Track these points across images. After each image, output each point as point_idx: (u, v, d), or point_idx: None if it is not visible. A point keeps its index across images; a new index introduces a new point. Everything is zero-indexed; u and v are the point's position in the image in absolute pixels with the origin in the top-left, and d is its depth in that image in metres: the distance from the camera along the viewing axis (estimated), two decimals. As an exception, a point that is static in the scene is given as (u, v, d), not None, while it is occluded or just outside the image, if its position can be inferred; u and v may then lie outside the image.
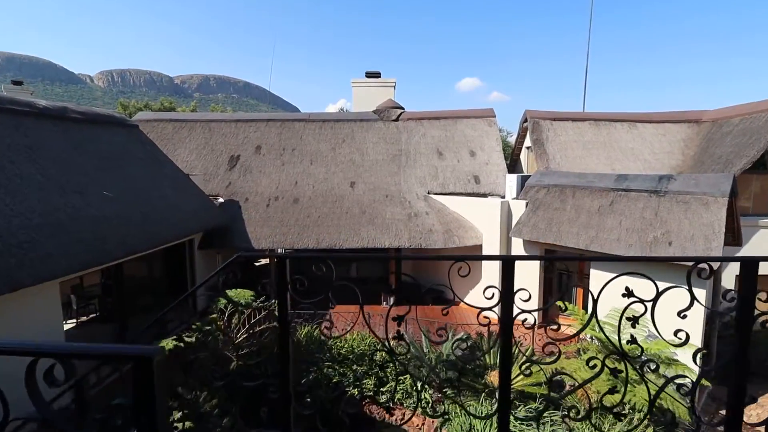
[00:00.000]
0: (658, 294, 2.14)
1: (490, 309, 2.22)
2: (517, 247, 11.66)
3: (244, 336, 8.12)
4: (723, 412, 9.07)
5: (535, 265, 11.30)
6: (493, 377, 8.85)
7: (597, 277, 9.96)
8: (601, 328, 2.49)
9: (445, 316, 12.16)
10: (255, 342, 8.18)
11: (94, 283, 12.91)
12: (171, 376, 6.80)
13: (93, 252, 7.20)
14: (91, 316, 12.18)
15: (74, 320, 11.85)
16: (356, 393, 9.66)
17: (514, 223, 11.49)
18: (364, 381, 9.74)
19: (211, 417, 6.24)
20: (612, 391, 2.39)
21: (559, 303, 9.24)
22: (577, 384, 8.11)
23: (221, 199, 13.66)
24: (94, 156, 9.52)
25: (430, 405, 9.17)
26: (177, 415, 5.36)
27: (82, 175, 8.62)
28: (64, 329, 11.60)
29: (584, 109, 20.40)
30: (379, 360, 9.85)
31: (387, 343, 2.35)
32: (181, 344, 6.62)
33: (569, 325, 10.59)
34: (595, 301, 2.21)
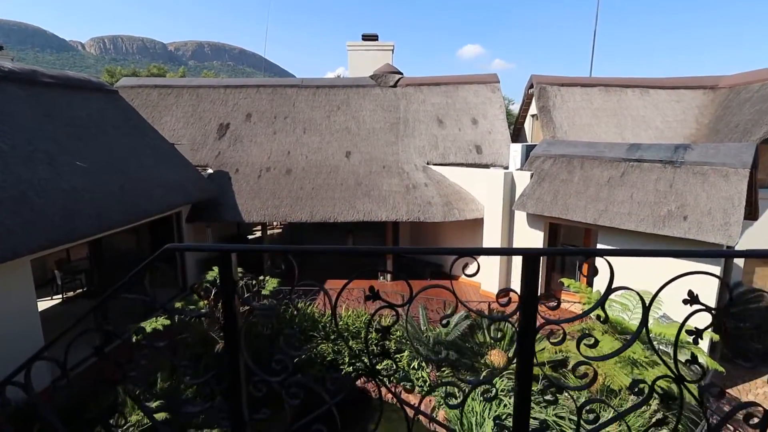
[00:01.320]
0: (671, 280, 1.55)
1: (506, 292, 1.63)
2: (520, 221, 11.11)
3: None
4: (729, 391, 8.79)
5: (539, 237, 10.79)
6: (493, 356, 8.50)
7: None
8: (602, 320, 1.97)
9: (445, 294, 11.76)
10: (243, 321, 7.76)
11: (82, 256, 12.43)
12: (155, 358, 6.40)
13: (63, 228, 6.64)
14: (78, 291, 11.78)
15: (60, 296, 11.45)
16: (351, 370, 9.35)
17: (517, 195, 10.89)
18: (362, 358, 9.42)
19: (194, 403, 5.86)
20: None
21: (563, 280, 8.77)
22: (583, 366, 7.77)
23: (210, 170, 13.00)
24: (66, 123, 8.82)
25: (427, 383, 8.87)
26: (155, 404, 4.95)
27: (52, 144, 7.96)
28: (50, 305, 11.24)
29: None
30: (376, 337, 9.48)
31: (369, 359, 1.81)
32: (161, 327, 6.17)
33: (577, 303, 10.20)
34: (609, 289, 1.65)
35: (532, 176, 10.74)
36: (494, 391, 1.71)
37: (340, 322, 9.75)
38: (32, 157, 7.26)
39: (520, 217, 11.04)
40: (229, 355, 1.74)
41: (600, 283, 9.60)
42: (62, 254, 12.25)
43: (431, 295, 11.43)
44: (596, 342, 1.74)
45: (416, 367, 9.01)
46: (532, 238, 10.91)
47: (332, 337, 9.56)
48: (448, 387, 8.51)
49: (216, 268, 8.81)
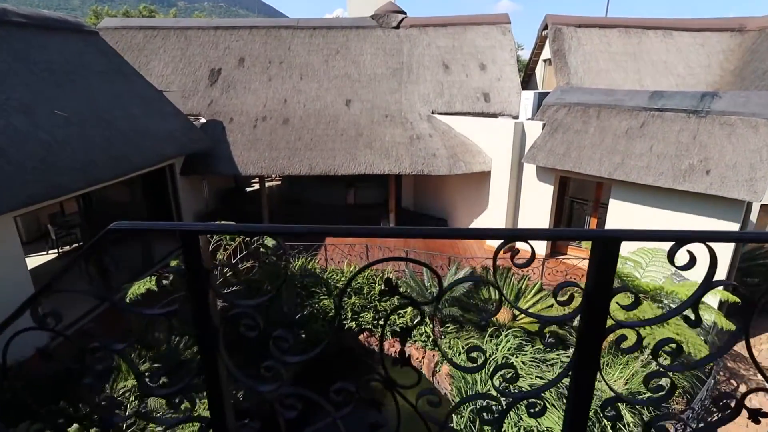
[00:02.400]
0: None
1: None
2: (529, 175, 10.62)
3: (229, 274, 7.43)
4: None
5: (548, 191, 10.35)
6: (499, 314, 8.36)
7: (618, 207, 9.07)
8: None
9: (449, 249, 11.51)
10: (241, 280, 7.53)
11: (76, 210, 12.08)
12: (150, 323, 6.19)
13: (43, 183, 6.20)
14: (75, 246, 11.52)
15: (55, 251, 11.21)
16: (354, 326, 9.30)
17: (527, 147, 10.32)
18: (363, 314, 9.33)
19: (192, 364, 5.72)
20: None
21: (574, 237, 8.45)
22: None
23: (203, 119, 12.32)
24: (42, 68, 8.11)
25: (431, 339, 8.82)
26: (145, 366, 4.76)
27: (26, 92, 7.33)
28: (46, 260, 11.03)
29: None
30: (378, 293, 9.33)
31: (383, 370, 1.45)
32: (155, 288, 5.90)
33: (583, 258, 9.95)
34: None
35: (543, 126, 10.11)
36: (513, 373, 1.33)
37: (342, 278, 9.56)
38: (5, 107, 6.68)
39: (529, 170, 10.54)
40: (206, 362, 1.37)
41: (610, 240, 9.28)
42: (55, 208, 11.90)
43: (436, 250, 11.18)
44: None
45: (419, 322, 8.91)
46: (541, 192, 10.47)
47: (335, 293, 9.40)
48: (451, 342, 8.48)
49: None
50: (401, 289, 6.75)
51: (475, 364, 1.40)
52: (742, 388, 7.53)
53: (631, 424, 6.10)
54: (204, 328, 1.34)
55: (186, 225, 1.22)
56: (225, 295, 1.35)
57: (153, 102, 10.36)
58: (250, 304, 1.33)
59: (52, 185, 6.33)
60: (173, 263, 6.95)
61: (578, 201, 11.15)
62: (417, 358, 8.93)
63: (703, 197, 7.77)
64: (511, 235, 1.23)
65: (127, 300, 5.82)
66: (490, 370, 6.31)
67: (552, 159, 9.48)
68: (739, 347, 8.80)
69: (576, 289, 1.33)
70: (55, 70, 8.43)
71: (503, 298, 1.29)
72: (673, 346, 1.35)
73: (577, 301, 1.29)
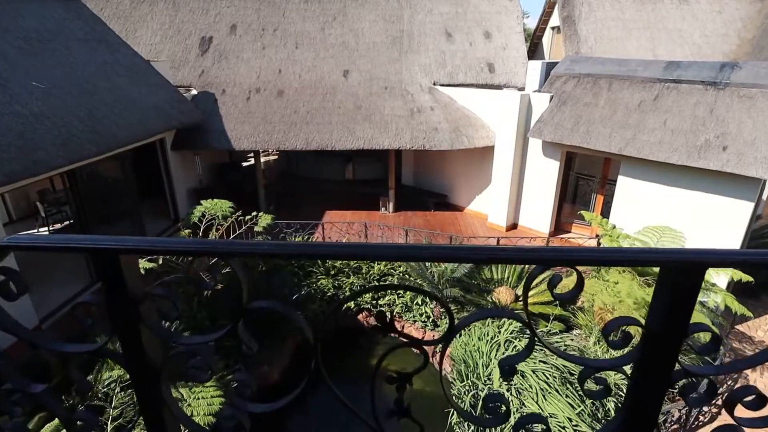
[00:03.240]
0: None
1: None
2: (534, 150, 10.20)
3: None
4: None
5: (554, 167, 9.97)
6: (500, 294, 8.14)
7: (627, 185, 8.71)
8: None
9: (450, 227, 11.21)
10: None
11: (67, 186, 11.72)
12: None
13: (21, 160, 5.82)
14: (66, 223, 11.22)
15: (46, 229, 10.92)
16: (353, 306, 9.10)
17: (533, 121, 9.86)
18: (361, 294, 9.12)
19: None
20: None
21: (583, 213, 8.14)
22: (597, 307, 7.38)
23: (194, 91, 11.78)
24: (17, 36, 7.58)
25: (431, 319, 8.65)
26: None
27: (1, 62, 6.84)
28: (37, 238, 10.75)
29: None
30: (377, 273, 9.10)
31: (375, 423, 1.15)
32: (143, 270, 5.62)
33: (590, 237, 9.67)
34: None
35: (551, 99, 9.62)
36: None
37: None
38: (-24, 77, 6.23)
39: (535, 145, 10.11)
40: (144, 414, 1.07)
41: (618, 217, 8.98)
42: (45, 184, 11.54)
43: (437, 228, 10.90)
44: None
45: (419, 302, 8.72)
46: (546, 168, 10.09)
47: (332, 272, 9.17)
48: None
49: (206, 202, 8.16)
50: (401, 269, 6.44)
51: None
52: (747, 370, 7.39)
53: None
54: (138, 370, 1.04)
55: (101, 241, 0.89)
56: (165, 331, 1.03)
57: (140, 72, 9.83)
58: (196, 342, 1.02)
59: (30, 162, 5.96)
60: (163, 244, 6.66)
61: (584, 177, 10.77)
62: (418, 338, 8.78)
63: (717, 175, 7.41)
64: (551, 258, 0.90)
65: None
66: (494, 352, 6.09)
67: (559, 133, 9.05)
68: (744, 327, 8.65)
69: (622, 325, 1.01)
70: (33, 38, 7.89)
71: (537, 339, 0.98)
72: (752, 397, 1.04)
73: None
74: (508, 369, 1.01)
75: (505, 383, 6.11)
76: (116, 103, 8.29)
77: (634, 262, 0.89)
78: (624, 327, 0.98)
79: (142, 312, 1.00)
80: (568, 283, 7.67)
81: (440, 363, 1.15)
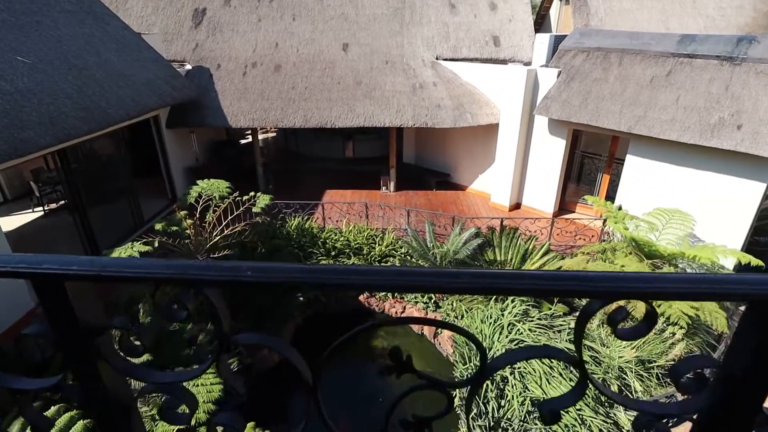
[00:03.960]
0: None
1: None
2: (540, 128, 9.90)
3: (220, 236, 6.98)
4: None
5: (560, 145, 9.70)
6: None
7: (635, 164, 8.47)
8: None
9: (452, 207, 11.02)
10: (233, 243, 7.08)
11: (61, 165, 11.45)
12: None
13: (7, 139, 5.57)
14: (61, 202, 11.02)
15: (41, 209, 10.73)
16: (353, 287, 9.00)
17: (540, 97, 9.52)
18: (362, 275, 9.00)
19: (182, 336, 5.40)
20: None
21: (587, 197, 7.95)
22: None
23: (188, 66, 11.38)
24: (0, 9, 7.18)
25: (432, 301, 8.56)
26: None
27: (-19, 33, 6.49)
28: (32, 219, 10.57)
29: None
30: (378, 254, 8.96)
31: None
32: (137, 254, 5.46)
33: (594, 219, 9.49)
34: None
35: (559, 74, 9.26)
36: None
37: (341, 238, 9.15)
38: (-44, 51, 5.90)
39: (541, 122, 9.81)
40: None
41: (625, 198, 8.78)
42: (38, 163, 11.28)
43: (439, 208, 10.71)
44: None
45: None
46: (551, 147, 9.81)
47: (333, 253, 9.04)
48: (453, 304, 8.21)
49: (202, 182, 7.93)
50: (402, 251, 6.27)
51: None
52: (751, 352, 7.32)
53: (640, 392, 5.92)
54: (100, 412, 0.87)
55: (40, 264, 0.70)
56: (128, 367, 0.85)
57: (131, 46, 9.42)
58: (168, 381, 0.84)
59: (17, 142, 5.71)
60: (158, 226, 6.46)
61: (590, 156, 10.51)
62: (418, 320, 8.71)
63: (729, 155, 7.16)
64: (613, 291, 0.71)
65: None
66: (497, 335, 6.00)
67: (567, 111, 8.74)
68: (748, 308, 8.55)
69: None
70: (16, 10, 7.48)
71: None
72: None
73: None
74: (550, 415, 0.83)
75: (508, 367, 6.05)
76: (106, 79, 7.96)
77: (720, 296, 0.70)
78: (697, 368, 0.80)
79: (102, 343, 0.82)
80: (572, 263, 7.57)
81: (467, 408, 0.97)
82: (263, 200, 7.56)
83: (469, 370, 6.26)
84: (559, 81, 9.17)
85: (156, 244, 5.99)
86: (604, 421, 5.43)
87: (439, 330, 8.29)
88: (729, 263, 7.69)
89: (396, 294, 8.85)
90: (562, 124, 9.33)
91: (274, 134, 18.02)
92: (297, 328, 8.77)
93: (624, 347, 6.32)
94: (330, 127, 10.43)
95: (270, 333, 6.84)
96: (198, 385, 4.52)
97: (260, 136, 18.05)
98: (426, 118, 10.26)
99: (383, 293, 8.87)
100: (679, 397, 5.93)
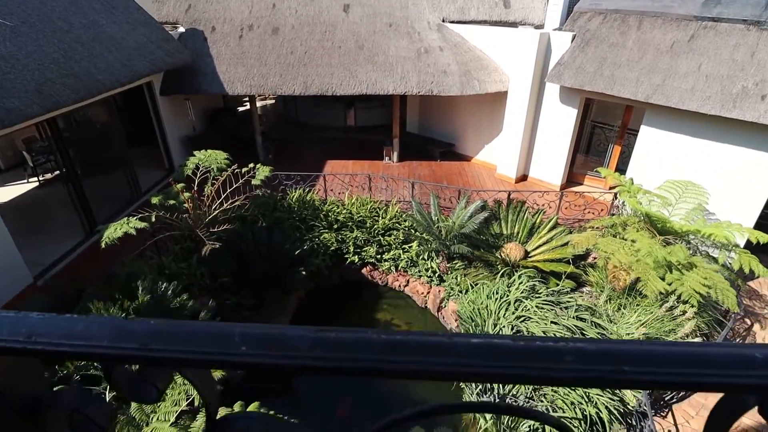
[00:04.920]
0: None
1: None
2: (551, 96, 9.49)
3: (219, 210, 6.77)
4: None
5: (571, 115, 9.32)
6: (510, 250, 7.87)
7: (650, 135, 8.14)
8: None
9: (457, 178, 10.74)
10: (232, 217, 6.88)
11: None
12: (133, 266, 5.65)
13: (-11, 109, 5.26)
14: (57, 173, 10.75)
15: (35, 179, 10.47)
16: (356, 260, 8.88)
17: (552, 63, 9.06)
18: (365, 248, 8.86)
19: (183, 313, 5.29)
20: None
21: (600, 170, 7.67)
22: (611, 265, 7.11)
23: (181, 29, 10.80)
24: (-26, -39, 6.66)
25: (437, 274, 8.44)
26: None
27: (-43, -8, 6.04)
28: (27, 189, 10.33)
29: None
30: (382, 227, 8.78)
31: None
32: (133, 231, 5.26)
33: (604, 192, 9.24)
34: None
35: (573, 39, 8.77)
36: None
37: (344, 211, 8.95)
38: (-71, 11, 5.49)
39: (552, 90, 9.39)
40: None
41: (636, 170, 8.50)
42: (31, 131, 10.92)
43: (443, 180, 10.45)
44: None
45: (426, 257, 8.49)
46: (562, 116, 9.44)
47: (335, 226, 8.85)
48: (458, 278, 8.10)
49: (200, 153, 7.64)
50: (406, 224, 6.08)
51: None
52: (756, 327, 7.28)
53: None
54: None
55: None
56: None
57: (119, 7, 8.88)
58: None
59: (2, 111, 5.39)
60: (154, 200, 6.24)
61: (601, 125, 10.14)
62: (422, 293, 8.64)
63: (750, 127, 6.83)
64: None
65: (103, 245, 5.21)
66: (503, 311, 5.90)
67: (580, 78, 8.32)
68: (755, 284, 8.47)
69: None
70: (-7, -36, 6.95)
71: None
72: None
73: None
74: None
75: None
76: (94, 43, 7.51)
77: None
78: None
79: (47, 421, 0.61)
80: (580, 238, 7.38)
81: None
82: (263, 172, 7.29)
83: (474, 346, 6.19)
84: (573, 46, 8.69)
85: (153, 219, 5.79)
86: (610, 398, 5.40)
87: (443, 303, 8.21)
88: (740, 241, 7.52)
89: (399, 267, 8.74)
90: (574, 92, 8.91)
91: (273, 101, 17.49)
92: (300, 301, 8.71)
93: (632, 324, 6.24)
94: (331, 94, 10.01)
95: (271, 309, 6.66)
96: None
97: (258, 103, 17.52)
98: (431, 86, 9.82)
99: (387, 267, 8.76)
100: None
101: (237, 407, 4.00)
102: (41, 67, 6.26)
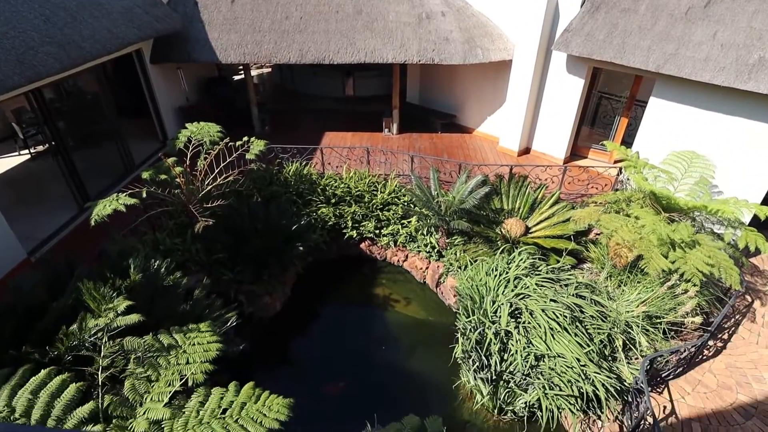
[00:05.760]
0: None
1: None
2: (557, 65, 9.10)
3: (212, 185, 6.58)
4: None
5: (577, 85, 8.97)
6: (510, 225, 7.73)
7: (659, 107, 7.83)
8: None
9: (458, 151, 10.49)
10: (226, 192, 6.71)
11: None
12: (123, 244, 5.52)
13: (-33, 80, 5.00)
14: (48, 145, 10.50)
15: (27, 151, 10.23)
16: (355, 235, 8.78)
17: (559, 30, 8.63)
18: (364, 223, 8.73)
19: (177, 291, 5.21)
20: None
21: (606, 143, 7.43)
22: (613, 242, 6.96)
23: (170, -8, 10.28)
24: None
25: (436, 250, 8.35)
26: (121, 305, 4.20)
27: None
28: (19, 162, 10.11)
29: None
30: (380, 202, 8.62)
31: None
32: (123, 208, 5.10)
33: (609, 166, 9.01)
34: None
35: (583, 3, 8.31)
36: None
37: (341, 185, 8.76)
38: None
39: (558, 59, 8.99)
40: None
41: (643, 144, 8.25)
42: (20, 102, 10.59)
43: (444, 153, 10.20)
44: None
45: (425, 233, 8.37)
46: (568, 87, 9.08)
47: (333, 201, 8.69)
48: (457, 254, 8.00)
49: (192, 126, 7.38)
50: (405, 199, 5.97)
51: None
52: (756, 304, 7.23)
53: (644, 347, 5.84)
54: None
55: None
56: None
57: (103, -32, 8.39)
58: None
59: (-20, 82, 5.14)
60: (145, 175, 6.06)
61: (607, 96, 9.79)
62: (421, 269, 8.58)
63: (765, 99, 6.54)
64: None
65: (92, 222, 5.07)
66: (502, 288, 5.82)
67: (589, 46, 7.93)
68: (757, 261, 8.37)
69: None
70: None
71: None
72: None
73: None
74: None
75: (513, 321, 5.94)
76: (78, 8, 7.12)
77: None
78: None
79: None
80: (583, 214, 7.22)
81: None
82: (257, 146, 7.07)
83: (472, 323, 6.15)
84: (582, 11, 8.25)
85: (144, 195, 5.62)
86: (607, 376, 5.39)
87: (442, 279, 8.16)
88: (746, 217, 7.36)
89: (398, 242, 8.64)
90: (581, 61, 8.54)
91: (269, 70, 16.97)
92: (298, 276, 8.66)
93: (632, 302, 6.17)
94: (328, 63, 9.61)
95: (269, 284, 6.59)
96: (194, 345, 4.38)
97: (254, 72, 17.02)
98: (433, 54, 9.41)
99: (386, 242, 8.66)
100: (683, 352, 5.87)
101: (231, 387, 3.95)
102: (22, 35, 5.94)
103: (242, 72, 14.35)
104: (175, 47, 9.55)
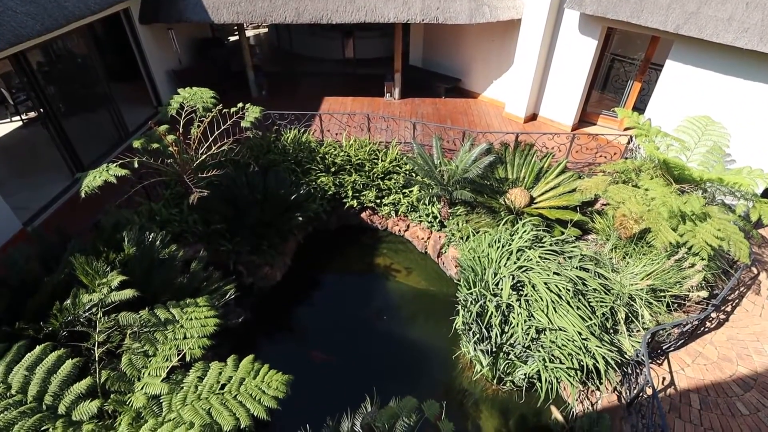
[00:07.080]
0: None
1: None
2: (568, 25, 8.59)
3: (207, 154, 6.36)
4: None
5: (590, 47, 8.50)
6: (514, 195, 7.53)
7: (676, 71, 7.42)
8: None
9: (462, 117, 10.12)
10: (222, 161, 6.49)
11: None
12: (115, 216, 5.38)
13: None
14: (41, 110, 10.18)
15: (18, 118, 9.94)
16: (355, 204, 8.62)
17: (572, -14, 8.08)
18: (364, 192, 8.56)
19: (173, 264, 5.12)
20: None
21: (617, 110, 7.10)
22: (620, 213, 6.77)
23: (158, -55, 9.62)
24: None
25: (437, 220, 8.21)
26: (115, 281, 4.11)
27: None
28: (11, 129, 9.83)
29: None
30: (381, 170, 8.40)
31: None
32: (113, 179, 4.92)
33: (620, 135, 8.67)
34: None
35: (599, -43, 7.72)
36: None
37: (341, 153, 8.51)
38: None
39: (571, 18, 8.48)
40: None
41: (656, 110, 7.90)
42: (7, 66, 10.18)
43: (447, 120, 9.85)
44: None
45: (426, 203, 8.20)
46: (580, 48, 8.61)
47: (332, 169, 8.47)
48: (459, 224, 7.86)
49: (184, 91, 7.06)
50: (407, 167, 5.78)
51: None
52: (762, 276, 7.12)
53: (648, 320, 5.78)
54: None
55: None
56: None
57: None
58: None
59: (-44, 45, 4.85)
60: (136, 144, 5.83)
61: (620, 59, 9.31)
62: (422, 239, 8.47)
63: (789, 61, 6.16)
64: None
65: (82, 194, 4.91)
66: (504, 260, 5.71)
67: (604, 4, 7.43)
68: (764, 231, 8.20)
69: None
70: None
71: None
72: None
73: None
74: None
75: (514, 294, 5.86)
76: (57, -38, 6.65)
77: None
78: None
79: None
80: (590, 184, 7.00)
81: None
82: (253, 113, 6.78)
83: (474, 295, 6.09)
84: (598, -35, 7.66)
85: (135, 165, 5.43)
86: (609, 349, 5.36)
87: (443, 249, 8.06)
88: (759, 188, 7.12)
89: (399, 212, 8.49)
90: (595, 20, 8.04)
91: (266, 30, 16.26)
92: (298, 246, 8.59)
93: (637, 275, 6.06)
94: (326, 22, 9.11)
95: (268, 254, 6.50)
96: (192, 320, 4.32)
97: (250, 33, 16.34)
98: (437, 12, 8.89)
99: (387, 211, 8.51)
100: (685, 325, 5.82)
101: (230, 361, 3.92)
102: (-2, -7, 5.57)
103: (237, 33, 13.75)
104: (165, 6, 9.04)
